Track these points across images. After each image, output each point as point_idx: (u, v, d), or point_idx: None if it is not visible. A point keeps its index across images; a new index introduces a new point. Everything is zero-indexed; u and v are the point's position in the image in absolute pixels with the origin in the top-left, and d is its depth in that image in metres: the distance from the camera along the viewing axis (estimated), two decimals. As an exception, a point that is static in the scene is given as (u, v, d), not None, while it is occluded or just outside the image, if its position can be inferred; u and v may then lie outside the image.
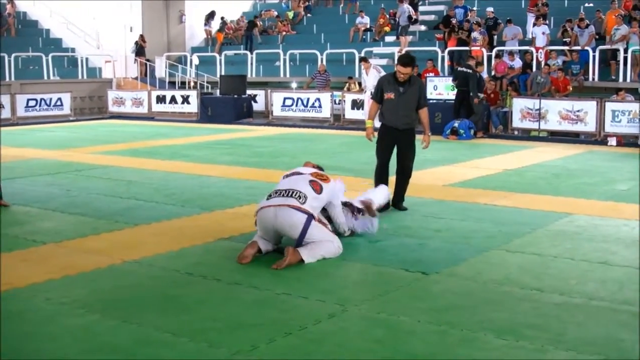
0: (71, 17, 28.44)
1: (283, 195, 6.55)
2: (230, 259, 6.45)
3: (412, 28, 24.64)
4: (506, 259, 6.56)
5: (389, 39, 24.52)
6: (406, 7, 23.45)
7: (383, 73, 18.91)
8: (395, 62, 20.69)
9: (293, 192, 6.55)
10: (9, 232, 7.56)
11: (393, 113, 8.57)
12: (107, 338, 4.65)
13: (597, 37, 19.97)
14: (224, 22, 28.49)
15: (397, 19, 23.89)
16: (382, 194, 8.09)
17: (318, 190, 6.70)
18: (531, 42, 20.75)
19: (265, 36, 27.59)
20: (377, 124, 9.60)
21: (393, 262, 6.41)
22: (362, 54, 21.31)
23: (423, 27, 25.20)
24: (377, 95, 8.72)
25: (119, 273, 6.14)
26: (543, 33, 20.36)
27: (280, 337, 4.65)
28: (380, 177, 8.72)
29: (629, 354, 4.39)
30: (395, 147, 8.72)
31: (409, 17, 23.46)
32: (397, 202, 8.72)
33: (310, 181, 6.75)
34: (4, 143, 11.49)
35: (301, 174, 6.94)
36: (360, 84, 21.40)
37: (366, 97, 19.14)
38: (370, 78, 18.93)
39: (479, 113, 17.23)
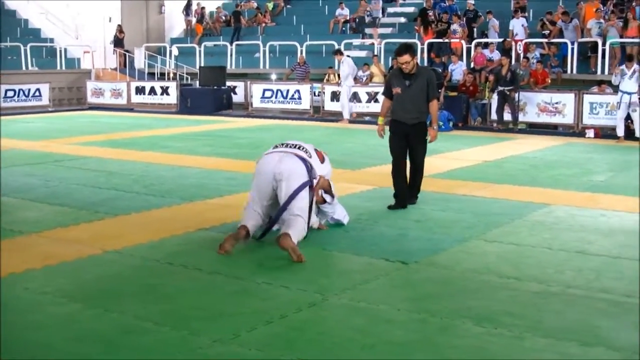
0: (50, 7, 28.18)
1: (290, 147, 6.79)
2: (211, 248, 6.47)
3: (392, 20, 24.74)
4: (485, 249, 6.62)
5: (369, 30, 24.50)
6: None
7: (352, 64, 19.18)
8: (374, 54, 21.02)
9: (300, 147, 6.81)
10: (-12, 222, 7.53)
11: (401, 107, 8.33)
12: (90, 326, 4.66)
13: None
14: (202, 14, 28.36)
15: (369, 13, 24.12)
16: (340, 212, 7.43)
17: (321, 159, 6.95)
18: (508, 34, 20.81)
19: (245, 27, 27.49)
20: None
21: (373, 251, 6.46)
22: (340, 46, 21.31)
23: (403, 19, 25.21)
24: (387, 91, 8.52)
25: (100, 263, 6.14)
26: (522, 26, 20.45)
27: (262, 325, 4.68)
28: (396, 176, 8.41)
29: (605, 341, 4.47)
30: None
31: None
32: (409, 197, 8.45)
33: (315, 149, 7.00)
34: (-18, 133, 11.42)
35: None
36: (339, 75, 21.43)
37: (342, 90, 19.24)
38: (344, 69, 19.13)
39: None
